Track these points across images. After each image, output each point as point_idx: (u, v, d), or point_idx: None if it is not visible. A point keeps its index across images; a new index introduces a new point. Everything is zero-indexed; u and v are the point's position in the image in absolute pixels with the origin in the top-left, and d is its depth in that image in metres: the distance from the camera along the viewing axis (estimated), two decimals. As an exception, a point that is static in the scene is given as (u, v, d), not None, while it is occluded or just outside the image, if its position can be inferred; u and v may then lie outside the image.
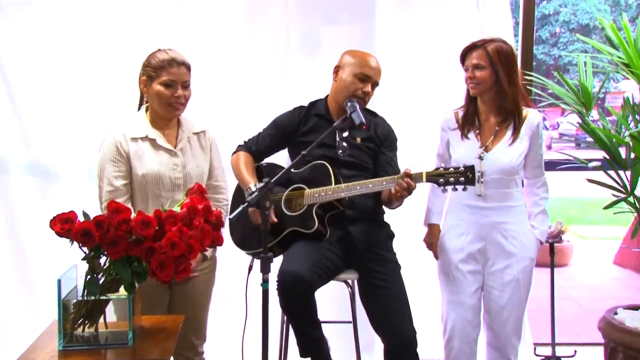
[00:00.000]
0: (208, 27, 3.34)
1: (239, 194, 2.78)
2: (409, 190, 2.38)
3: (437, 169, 2.40)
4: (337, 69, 2.68)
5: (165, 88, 2.42)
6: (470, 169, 2.34)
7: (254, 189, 2.46)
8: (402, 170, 2.42)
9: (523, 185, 2.76)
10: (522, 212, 2.70)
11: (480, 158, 2.62)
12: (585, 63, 3.01)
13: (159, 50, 2.49)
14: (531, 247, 2.67)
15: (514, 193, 2.65)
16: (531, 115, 2.65)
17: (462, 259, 2.68)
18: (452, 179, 2.35)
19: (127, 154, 2.44)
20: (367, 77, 2.59)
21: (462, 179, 2.34)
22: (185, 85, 2.47)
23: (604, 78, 3.35)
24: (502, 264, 2.64)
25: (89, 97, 3.30)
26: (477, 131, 2.68)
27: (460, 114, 2.73)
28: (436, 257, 2.79)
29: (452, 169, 2.36)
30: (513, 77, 2.60)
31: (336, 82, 2.66)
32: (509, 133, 2.63)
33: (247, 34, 3.36)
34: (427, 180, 2.39)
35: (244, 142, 2.82)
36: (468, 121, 2.69)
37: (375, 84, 2.64)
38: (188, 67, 2.48)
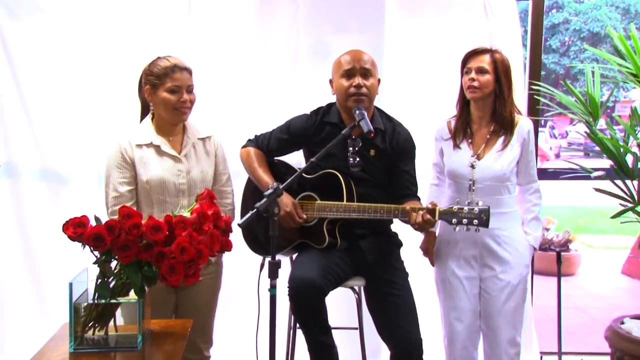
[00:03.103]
0: (219, 34, 3.37)
1: (250, 197, 2.77)
2: (428, 224, 2.39)
3: (451, 207, 2.40)
4: (330, 83, 2.67)
5: (171, 94, 2.45)
6: (485, 211, 2.35)
7: None
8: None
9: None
10: (516, 218, 2.73)
11: (472, 166, 2.65)
12: (593, 73, 3.02)
13: (159, 58, 2.51)
14: (525, 253, 2.70)
15: (506, 199, 2.68)
16: (522, 122, 2.69)
17: (457, 265, 2.71)
18: (465, 219, 2.36)
19: (132, 160, 2.47)
20: (350, 71, 2.54)
21: (476, 221, 2.35)
22: (190, 90, 2.50)
23: (613, 87, 3.35)
24: (496, 270, 2.67)
25: (101, 103, 3.34)
26: (469, 140, 2.71)
27: (453, 123, 2.76)
28: (432, 263, 2.81)
29: (466, 208, 2.37)
30: (511, 88, 2.67)
31: (335, 94, 2.65)
32: (500, 140, 2.67)
33: (258, 42, 3.39)
34: (440, 218, 2.39)
35: (255, 136, 2.79)
36: (460, 131, 2.73)
37: (365, 71, 2.55)
38: (190, 72, 2.51)
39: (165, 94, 2.45)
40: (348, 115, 2.60)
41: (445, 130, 2.78)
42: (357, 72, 2.55)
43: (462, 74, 2.69)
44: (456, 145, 2.71)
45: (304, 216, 2.57)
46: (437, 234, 2.82)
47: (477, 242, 2.66)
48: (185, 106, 2.48)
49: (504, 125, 2.66)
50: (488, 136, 2.68)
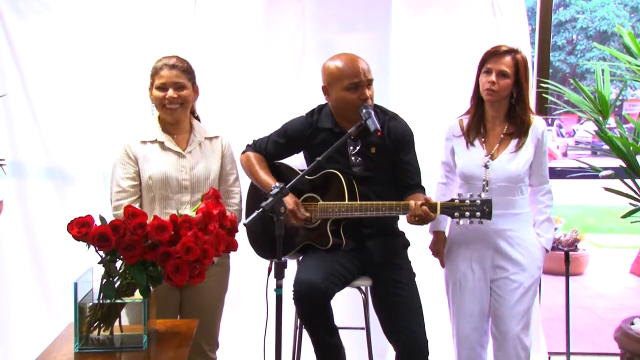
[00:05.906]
0: (225, 34, 3.36)
1: (255, 195, 2.75)
2: (425, 219, 2.37)
3: (453, 200, 2.38)
4: (325, 90, 2.59)
5: (159, 91, 2.52)
6: (487, 202, 2.32)
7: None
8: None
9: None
10: (528, 219, 2.69)
11: (486, 166, 2.61)
12: (602, 71, 2.99)
13: (159, 59, 2.57)
14: (537, 255, 2.65)
15: (519, 201, 2.64)
16: (536, 122, 2.65)
17: (468, 266, 2.67)
18: (467, 212, 2.34)
19: (136, 157, 2.53)
20: (357, 84, 2.48)
21: (479, 213, 2.33)
22: (178, 87, 2.51)
23: (622, 85, 3.32)
24: (508, 272, 2.62)
25: (107, 102, 3.33)
26: (483, 139, 2.67)
27: (465, 121, 2.72)
28: (442, 264, 2.78)
29: (468, 201, 2.34)
30: (528, 90, 2.62)
31: (332, 102, 2.58)
32: (514, 141, 2.62)
33: (264, 41, 3.38)
34: (442, 212, 2.37)
35: (253, 142, 2.79)
36: (473, 128, 2.68)
37: (369, 82, 2.51)
38: (182, 69, 2.53)
39: (155, 91, 2.53)
40: (343, 119, 2.57)
41: (457, 127, 2.73)
42: (364, 85, 2.49)
43: (479, 72, 2.63)
44: (469, 143, 2.66)
45: (307, 214, 2.55)
46: (447, 235, 2.79)
47: (489, 243, 2.63)
48: (171, 103, 2.51)
49: (520, 127, 2.61)
50: (502, 136, 2.64)
